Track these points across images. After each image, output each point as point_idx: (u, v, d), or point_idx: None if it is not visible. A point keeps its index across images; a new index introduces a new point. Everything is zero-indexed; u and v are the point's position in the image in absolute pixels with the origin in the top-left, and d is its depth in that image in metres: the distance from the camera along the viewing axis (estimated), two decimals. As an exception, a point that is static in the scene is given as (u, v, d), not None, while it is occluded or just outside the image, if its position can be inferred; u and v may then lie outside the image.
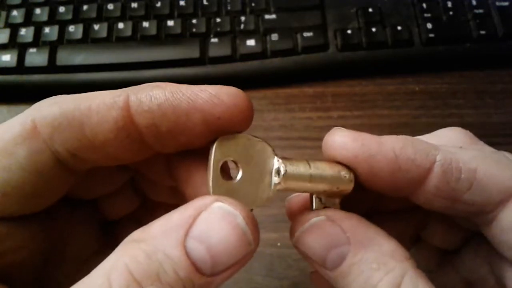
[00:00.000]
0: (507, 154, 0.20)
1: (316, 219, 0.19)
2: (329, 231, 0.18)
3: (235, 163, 0.19)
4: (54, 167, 0.18)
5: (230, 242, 0.16)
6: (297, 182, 0.19)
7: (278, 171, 0.19)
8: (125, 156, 0.19)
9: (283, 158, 0.19)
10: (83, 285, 0.15)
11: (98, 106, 0.18)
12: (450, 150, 0.19)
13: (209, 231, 0.16)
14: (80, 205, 0.22)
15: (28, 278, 0.20)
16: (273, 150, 0.19)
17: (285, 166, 0.19)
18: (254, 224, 0.17)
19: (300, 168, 0.19)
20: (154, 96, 0.18)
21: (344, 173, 0.19)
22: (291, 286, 0.34)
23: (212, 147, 0.18)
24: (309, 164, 0.19)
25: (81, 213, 0.23)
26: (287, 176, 0.19)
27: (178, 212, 0.17)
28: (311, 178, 0.19)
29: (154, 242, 0.16)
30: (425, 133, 0.44)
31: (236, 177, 0.19)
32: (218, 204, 0.17)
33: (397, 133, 0.42)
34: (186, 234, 0.16)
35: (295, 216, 0.20)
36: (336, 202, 0.20)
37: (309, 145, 0.40)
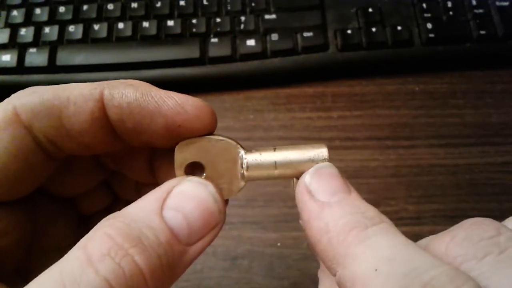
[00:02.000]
0: None
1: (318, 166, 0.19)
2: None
3: (200, 162, 0.20)
4: (35, 153, 0.19)
5: (205, 208, 0.18)
6: (262, 171, 0.20)
7: (241, 163, 0.20)
8: (99, 147, 0.20)
9: (249, 151, 0.20)
10: (60, 263, 0.15)
11: (75, 97, 0.19)
12: None
13: (183, 200, 0.17)
14: (59, 200, 0.23)
15: (10, 267, 0.20)
16: (238, 144, 0.20)
17: (247, 157, 0.20)
18: (221, 196, 0.19)
19: (264, 156, 0.20)
20: (125, 94, 0.19)
21: (316, 157, 0.19)
22: (291, 286, 0.34)
23: (175, 150, 0.20)
24: (275, 151, 0.20)
25: (60, 207, 0.24)
26: (250, 166, 0.20)
27: (152, 192, 0.18)
28: (277, 165, 0.20)
29: (132, 215, 0.17)
30: (425, 133, 0.44)
31: (202, 175, 0.20)
32: (189, 178, 0.19)
33: (397, 133, 0.42)
34: (162, 207, 0.17)
35: None
36: None
37: (309, 145, 0.40)
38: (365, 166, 0.39)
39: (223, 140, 0.20)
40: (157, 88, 0.19)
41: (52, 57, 0.43)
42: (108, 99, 0.19)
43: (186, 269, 0.18)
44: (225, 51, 0.43)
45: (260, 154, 0.20)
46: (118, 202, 0.26)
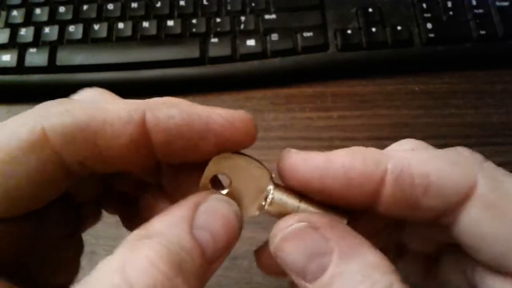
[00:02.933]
0: (461, 149, 0.19)
1: (297, 225, 0.18)
2: (311, 239, 0.17)
3: (228, 177, 0.20)
4: (60, 173, 0.18)
5: (229, 227, 0.18)
6: (280, 210, 0.20)
7: (266, 196, 0.20)
8: (130, 166, 0.20)
9: (278, 187, 0.20)
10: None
11: (113, 120, 0.17)
12: (402, 155, 0.18)
13: (211, 219, 0.17)
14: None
15: (15, 263, 0.20)
16: (271, 176, 0.20)
17: (274, 194, 0.20)
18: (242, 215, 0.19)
19: (288, 201, 0.20)
20: (171, 116, 0.18)
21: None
22: (291, 286, 0.33)
23: (210, 161, 0.20)
24: (300, 201, 0.19)
25: (59, 201, 0.23)
26: (273, 203, 0.20)
27: (177, 207, 0.18)
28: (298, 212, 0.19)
29: (165, 236, 0.16)
30: (425, 133, 0.44)
31: (224, 189, 0.20)
32: (214, 196, 0.18)
33: (397, 133, 0.42)
34: (192, 225, 0.17)
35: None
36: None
37: (309, 145, 0.40)
38: (365, 166, 0.39)
39: (260, 167, 0.20)
40: (199, 105, 0.19)
41: (52, 57, 0.43)
42: (153, 122, 0.18)
43: None
44: (225, 51, 0.43)
45: (287, 196, 0.20)
46: (108, 190, 0.25)
